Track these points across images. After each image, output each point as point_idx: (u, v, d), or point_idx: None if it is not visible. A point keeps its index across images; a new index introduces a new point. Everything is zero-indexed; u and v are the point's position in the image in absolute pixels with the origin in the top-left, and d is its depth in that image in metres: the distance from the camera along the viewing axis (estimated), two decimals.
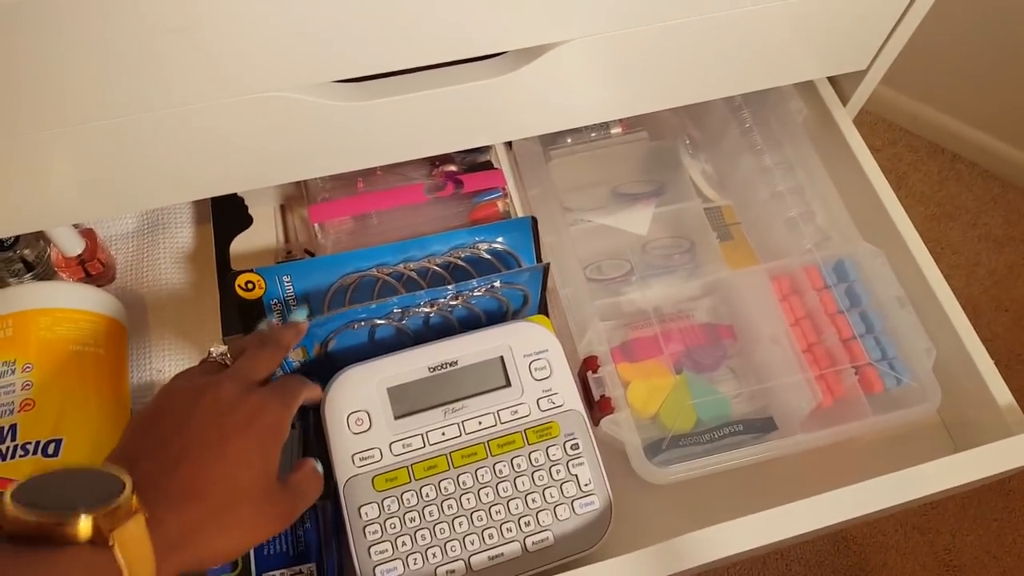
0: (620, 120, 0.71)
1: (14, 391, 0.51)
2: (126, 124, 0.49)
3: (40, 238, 0.64)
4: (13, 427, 0.50)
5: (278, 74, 0.49)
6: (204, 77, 0.47)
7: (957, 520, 1.02)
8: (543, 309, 0.64)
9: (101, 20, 0.42)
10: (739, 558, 0.56)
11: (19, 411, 0.51)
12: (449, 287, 0.59)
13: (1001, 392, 0.59)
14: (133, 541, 0.34)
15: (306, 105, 0.52)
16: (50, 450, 0.50)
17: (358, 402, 0.55)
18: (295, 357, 0.58)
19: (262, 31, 0.46)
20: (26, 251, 0.62)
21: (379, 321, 0.58)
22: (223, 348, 0.49)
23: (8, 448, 0.50)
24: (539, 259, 0.63)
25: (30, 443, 0.50)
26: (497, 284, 0.60)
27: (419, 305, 0.59)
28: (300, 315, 0.53)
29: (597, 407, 0.58)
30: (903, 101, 1.28)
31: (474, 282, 0.59)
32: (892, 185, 0.66)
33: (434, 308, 0.59)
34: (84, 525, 0.32)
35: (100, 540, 0.33)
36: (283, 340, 0.50)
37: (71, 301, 0.56)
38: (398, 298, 0.58)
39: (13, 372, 0.52)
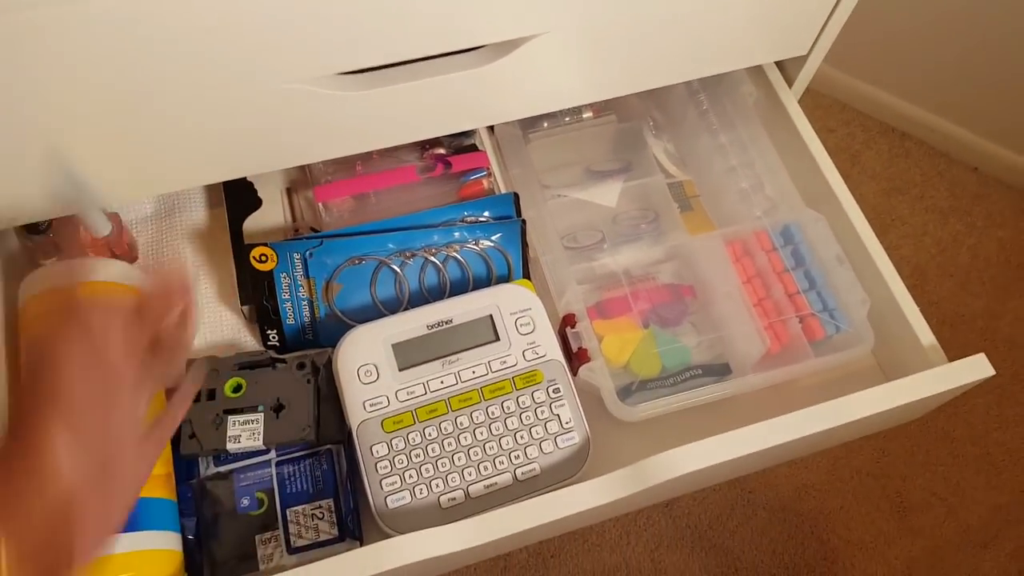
0: (591, 105, 0.79)
1: None
2: (153, 115, 0.56)
3: (69, 223, 0.70)
4: None
5: (289, 68, 0.56)
6: (226, 71, 0.54)
7: (907, 466, 1.11)
8: (526, 273, 0.71)
9: (144, 20, 0.49)
10: (698, 481, 0.63)
11: None
12: (436, 233, 0.68)
13: (925, 334, 0.68)
14: None
15: (313, 95, 0.59)
16: None
17: (366, 356, 0.62)
18: (305, 292, 0.65)
19: (276, 30, 0.53)
20: (57, 236, 0.69)
21: (379, 258, 0.67)
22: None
23: None
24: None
25: None
26: (481, 241, 0.68)
27: (413, 249, 0.68)
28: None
29: (575, 357, 0.66)
30: (855, 84, 1.37)
31: (456, 232, 0.69)
32: (846, 163, 0.74)
33: (427, 253, 0.68)
34: None
35: None
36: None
37: (108, 275, 0.62)
38: (395, 238, 0.67)
39: None
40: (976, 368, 0.63)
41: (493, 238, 0.70)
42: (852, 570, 1.05)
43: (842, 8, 0.71)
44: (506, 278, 0.71)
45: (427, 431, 0.61)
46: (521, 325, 0.65)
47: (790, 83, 0.80)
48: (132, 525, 0.55)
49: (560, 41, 0.63)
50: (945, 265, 1.26)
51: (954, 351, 0.62)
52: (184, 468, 0.62)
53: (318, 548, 0.60)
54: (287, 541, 0.60)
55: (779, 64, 0.81)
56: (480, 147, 0.76)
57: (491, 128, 0.79)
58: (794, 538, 1.06)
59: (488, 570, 1.01)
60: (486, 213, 0.71)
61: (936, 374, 0.62)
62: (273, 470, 0.62)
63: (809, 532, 1.06)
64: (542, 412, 0.63)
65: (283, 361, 0.64)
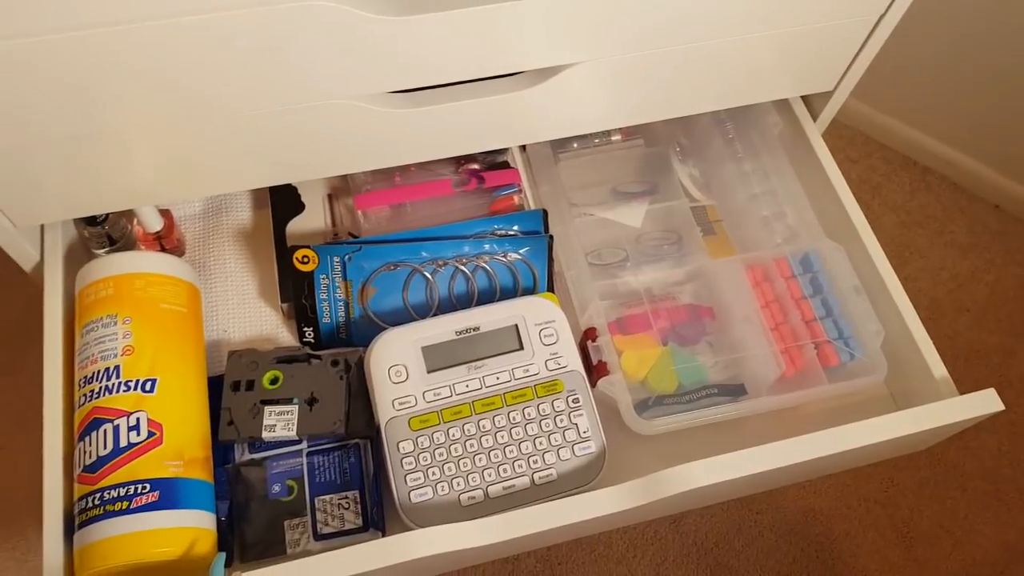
0: (620, 129, 0.82)
1: (116, 338, 0.62)
2: (212, 122, 0.60)
3: (123, 217, 0.74)
4: (117, 368, 0.61)
5: (343, 85, 0.60)
6: (285, 86, 0.58)
7: (915, 497, 1.13)
8: (550, 287, 0.75)
9: (214, 41, 0.53)
10: (711, 496, 0.66)
11: (122, 355, 0.62)
12: (467, 244, 0.72)
13: (937, 366, 0.70)
14: None
15: (363, 111, 0.63)
16: (147, 387, 0.61)
17: (397, 357, 0.66)
18: (341, 293, 0.69)
19: (334, 50, 0.57)
20: (110, 228, 0.73)
21: (412, 265, 0.71)
22: None
23: (114, 384, 0.61)
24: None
25: (131, 381, 0.61)
26: (509, 254, 0.72)
27: (445, 258, 0.72)
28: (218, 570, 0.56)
29: (595, 370, 0.69)
30: (879, 117, 1.39)
31: (486, 244, 0.72)
32: (867, 194, 0.77)
33: (458, 262, 0.71)
34: None
35: None
36: None
37: (160, 267, 0.66)
38: (428, 247, 0.71)
39: (115, 323, 0.63)
40: (986, 402, 0.64)
41: (521, 251, 0.74)
42: None
43: (869, 47, 0.74)
44: (531, 290, 0.74)
45: (451, 431, 0.64)
46: (545, 336, 0.68)
47: (815, 116, 0.83)
48: (171, 503, 0.59)
49: (594, 70, 0.66)
50: (962, 300, 1.27)
51: (967, 386, 0.64)
52: (221, 453, 0.65)
53: (343, 536, 0.63)
54: (314, 528, 0.63)
55: (805, 98, 0.84)
56: (512, 164, 0.79)
57: (523, 147, 0.82)
58: (799, 561, 1.08)
59: (496, 573, 1.04)
60: (515, 227, 0.75)
61: (946, 406, 0.64)
62: (304, 460, 0.65)
63: (815, 556, 1.08)
64: (561, 420, 0.66)
65: (318, 358, 0.67)
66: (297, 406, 0.65)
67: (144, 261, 0.66)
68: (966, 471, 1.15)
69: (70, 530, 0.59)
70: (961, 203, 1.36)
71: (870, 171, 1.37)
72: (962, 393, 0.66)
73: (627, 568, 1.05)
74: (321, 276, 0.71)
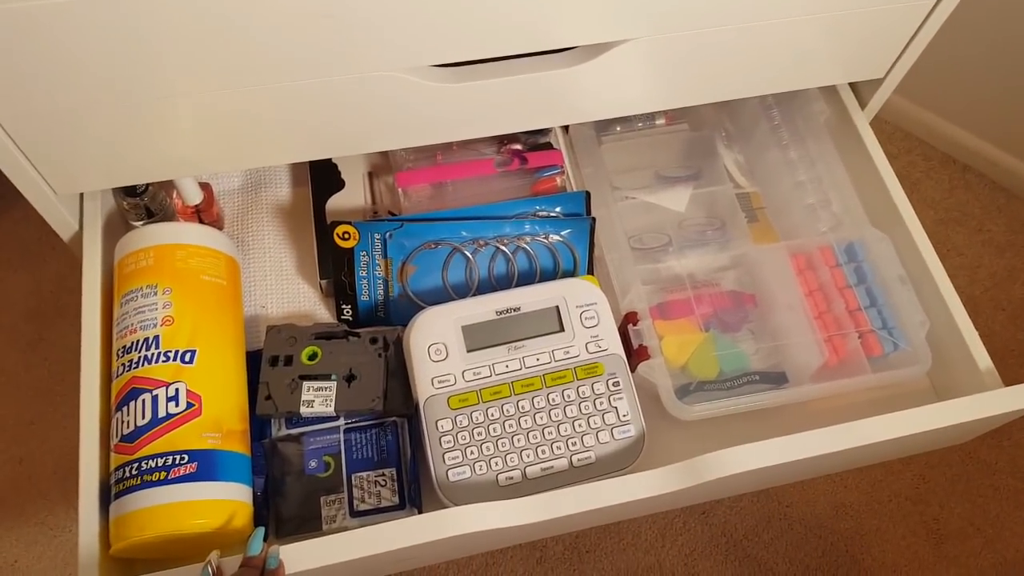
0: (664, 112, 0.81)
1: (156, 308, 0.62)
2: (254, 93, 0.59)
3: (162, 190, 0.74)
4: (157, 338, 0.61)
5: (386, 56, 0.59)
6: (327, 56, 0.58)
7: (946, 494, 1.11)
8: (591, 270, 0.74)
9: (263, 5, 0.52)
10: (750, 482, 0.64)
11: (161, 325, 0.61)
12: (508, 224, 0.71)
13: (982, 358, 0.68)
14: None
15: (406, 84, 0.62)
16: (187, 358, 0.61)
17: (437, 335, 0.65)
18: (381, 271, 0.68)
19: (379, 20, 0.56)
20: (149, 200, 0.73)
21: (453, 244, 0.70)
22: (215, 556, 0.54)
23: (153, 354, 0.60)
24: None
25: (171, 351, 0.61)
26: (551, 235, 0.71)
27: (486, 239, 0.71)
28: (256, 546, 0.56)
29: (635, 354, 0.68)
30: (920, 113, 1.37)
31: (527, 225, 0.71)
32: (905, 190, 0.75)
33: (499, 243, 0.71)
34: None
35: None
36: (253, 562, 0.53)
37: (200, 239, 0.66)
38: (469, 226, 0.70)
39: (155, 293, 0.63)
40: None
41: (563, 233, 0.73)
42: None
43: (923, 34, 0.73)
44: (572, 273, 0.73)
45: (490, 411, 0.64)
46: (586, 319, 0.67)
47: (863, 105, 0.81)
48: (209, 475, 0.58)
49: (643, 48, 0.65)
50: (998, 299, 1.25)
51: (1003, 384, 0.63)
52: (257, 428, 0.65)
53: (379, 513, 0.62)
54: (350, 504, 0.63)
55: (853, 85, 0.82)
56: (555, 146, 0.78)
57: (566, 128, 0.81)
58: (828, 555, 1.07)
59: (523, 559, 1.03)
60: (557, 209, 0.74)
61: (993, 396, 0.63)
62: (341, 436, 0.65)
63: (844, 551, 1.07)
64: (601, 403, 0.65)
65: (357, 335, 0.67)
66: (335, 382, 0.65)
67: (185, 232, 0.66)
68: (998, 469, 1.13)
69: (106, 500, 0.59)
70: (1000, 201, 1.33)
71: (909, 167, 1.35)
72: None
73: (655, 558, 1.04)
74: (361, 253, 0.70)
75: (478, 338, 0.66)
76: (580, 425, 0.64)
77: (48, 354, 1.14)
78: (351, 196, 0.77)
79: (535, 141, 0.78)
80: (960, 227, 1.31)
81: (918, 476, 1.12)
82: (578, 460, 0.64)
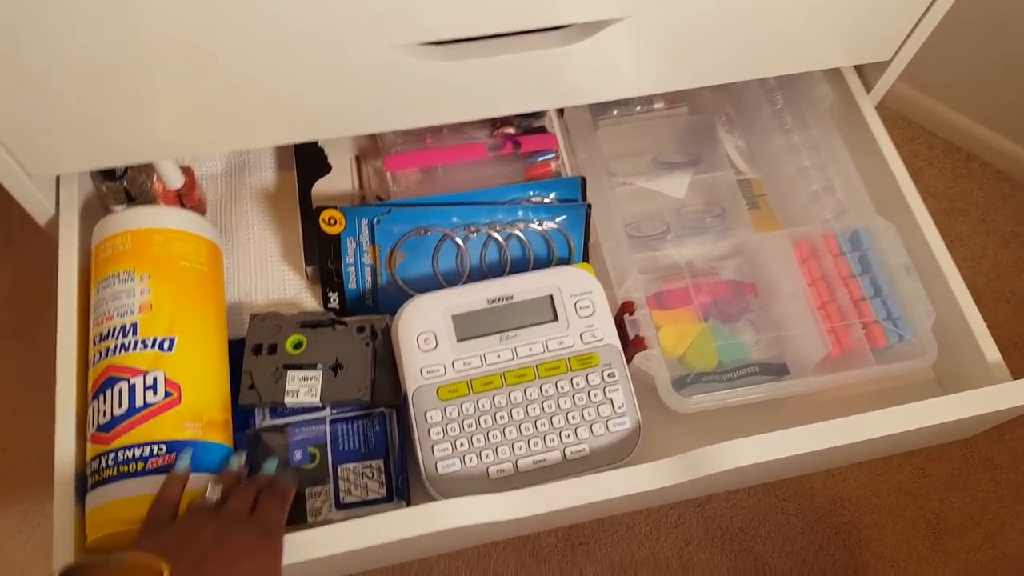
0: (663, 96, 0.78)
1: (134, 295, 0.60)
2: (235, 72, 0.57)
3: (142, 173, 0.72)
4: (134, 325, 0.59)
5: (373, 33, 0.57)
6: (310, 32, 0.55)
7: (946, 488, 1.09)
8: (586, 258, 0.71)
9: None
10: (749, 476, 0.63)
11: (139, 312, 0.59)
12: (501, 211, 0.68)
13: (991, 351, 0.67)
14: None
15: (395, 63, 0.59)
16: (165, 346, 0.58)
17: (426, 324, 0.63)
18: (369, 258, 0.66)
19: None
20: (128, 184, 0.70)
21: (443, 230, 0.68)
22: (216, 492, 0.54)
23: (130, 342, 0.58)
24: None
25: (148, 339, 0.58)
26: (545, 222, 0.69)
27: (478, 225, 0.68)
28: (271, 466, 0.59)
29: (631, 345, 0.66)
30: (923, 100, 1.34)
31: (521, 211, 0.69)
32: None
33: (491, 229, 0.68)
34: None
35: None
36: (260, 481, 0.56)
37: (181, 224, 0.64)
38: (460, 212, 0.68)
39: (133, 279, 0.60)
40: None
41: (557, 220, 0.70)
42: None
43: (931, 15, 0.70)
44: (566, 261, 0.71)
45: (481, 402, 0.62)
46: (581, 308, 0.65)
47: (868, 88, 0.79)
48: (190, 466, 0.56)
49: (641, 27, 0.62)
50: (1002, 290, 1.23)
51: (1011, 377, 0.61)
52: (241, 419, 0.63)
53: (366, 506, 0.60)
54: (336, 497, 0.61)
55: (858, 68, 0.80)
56: (550, 129, 0.76)
57: (561, 112, 0.79)
58: (825, 549, 1.05)
59: (515, 551, 1.02)
60: (552, 195, 0.71)
61: (1003, 389, 0.61)
62: (327, 427, 0.63)
63: (841, 545, 1.05)
64: (595, 395, 0.63)
65: (343, 323, 0.65)
66: (321, 372, 0.62)
67: (165, 216, 0.64)
68: (999, 464, 1.11)
69: (82, 491, 0.57)
70: (1004, 191, 1.31)
71: (912, 156, 1.32)
72: None
73: (649, 551, 1.03)
74: (348, 239, 0.68)
75: (469, 327, 0.63)
76: (574, 417, 0.62)
77: (32, 342, 1.12)
78: (338, 181, 0.74)
79: (529, 125, 0.76)
80: (963, 217, 1.29)
81: (918, 470, 1.10)
82: (572, 453, 0.62)
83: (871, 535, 1.06)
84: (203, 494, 0.54)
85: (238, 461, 0.58)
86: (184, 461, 0.55)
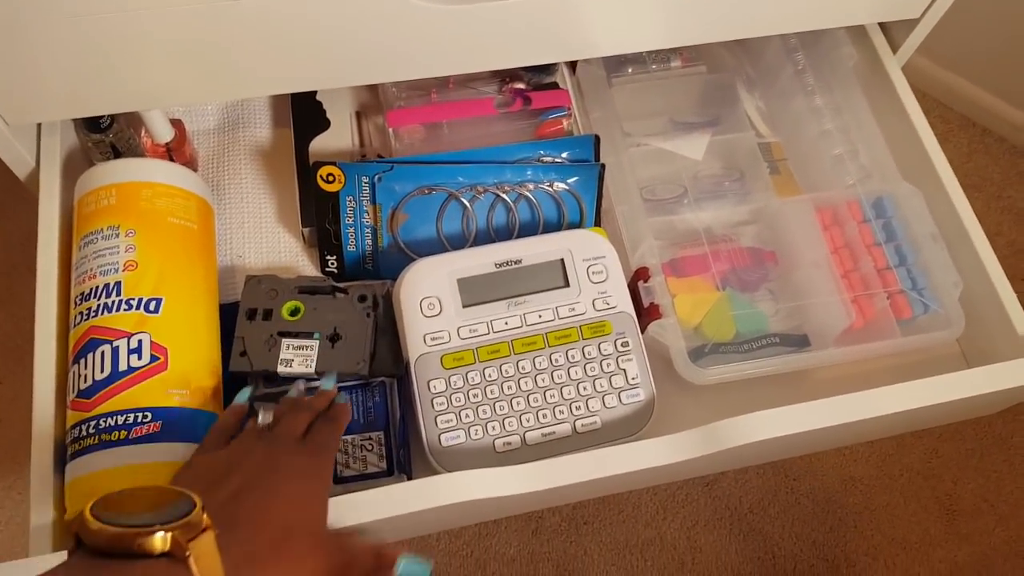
0: (680, 53, 0.74)
1: (118, 252, 0.56)
2: (226, 14, 0.53)
3: (130, 126, 0.68)
4: (118, 284, 0.55)
5: None
6: None
7: (960, 469, 1.07)
8: (598, 222, 0.68)
9: None
10: (767, 452, 0.60)
11: (123, 270, 0.55)
12: (509, 170, 0.64)
13: (1021, 324, 0.63)
14: (206, 555, 0.35)
15: (397, 4, 0.55)
16: (151, 307, 0.55)
17: (430, 289, 0.59)
18: (369, 219, 0.62)
19: None
20: (115, 137, 0.66)
21: (448, 190, 0.64)
22: (269, 416, 0.52)
23: (113, 302, 0.54)
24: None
25: (133, 299, 0.55)
26: (556, 183, 0.65)
27: (485, 185, 0.64)
28: (328, 383, 0.56)
29: (646, 313, 0.63)
30: (939, 72, 1.30)
31: (530, 171, 0.65)
32: None
33: (499, 190, 0.64)
34: (161, 539, 0.33)
35: (177, 553, 0.34)
36: (315, 404, 0.54)
37: (169, 178, 0.60)
38: (467, 171, 0.64)
39: (117, 236, 0.56)
40: None
41: (569, 181, 0.66)
42: (894, 569, 1.01)
43: None
44: (578, 224, 0.67)
45: (487, 372, 0.58)
46: (593, 273, 0.62)
47: (895, 49, 0.75)
48: (175, 435, 0.53)
49: None
50: (1016, 267, 1.20)
51: None
52: (234, 387, 0.59)
53: (365, 480, 0.57)
54: (334, 470, 0.57)
55: (884, 27, 0.76)
56: (562, 86, 0.72)
57: (573, 67, 0.75)
58: (836, 531, 1.02)
59: (518, 530, 0.99)
60: (563, 154, 0.67)
61: None
62: None
63: (852, 525, 1.03)
64: (608, 365, 0.60)
65: (344, 291, 0.61)
66: (318, 342, 0.59)
67: (152, 169, 0.60)
68: (1014, 444, 1.09)
69: (63, 463, 0.53)
70: (1021, 167, 1.28)
71: None
72: None
73: (656, 530, 1.00)
74: (347, 198, 0.64)
75: (475, 292, 0.60)
76: (585, 388, 0.59)
77: (16, 311, 1.08)
78: (337, 137, 0.70)
79: (539, 80, 0.72)
80: (979, 192, 1.26)
81: (930, 450, 1.07)
82: (582, 426, 0.58)
83: (883, 516, 1.04)
84: (256, 419, 0.52)
85: (296, 389, 0.56)
86: (243, 396, 0.55)
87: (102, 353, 0.53)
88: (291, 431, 0.50)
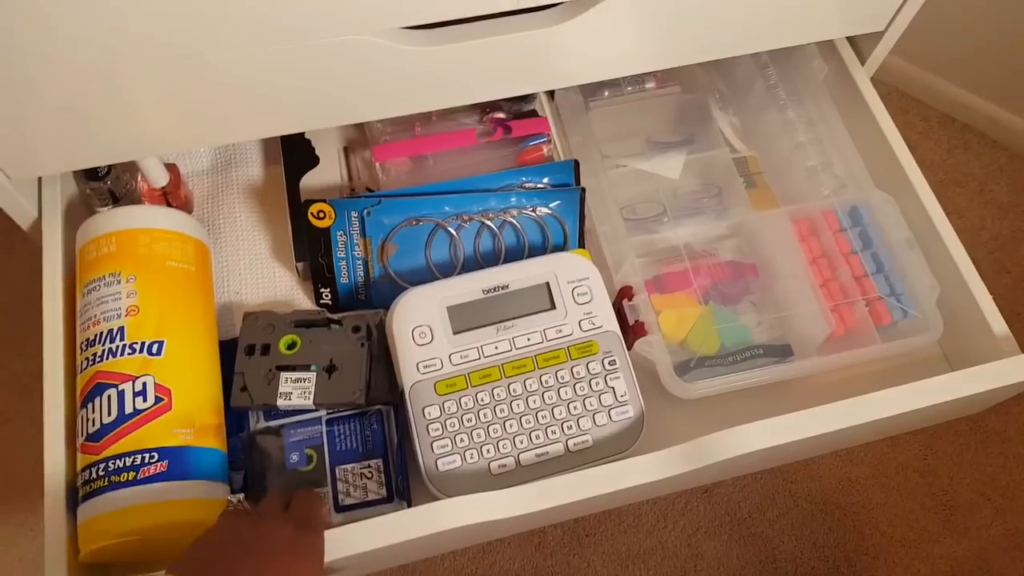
0: (654, 75, 0.77)
1: (120, 298, 0.58)
2: (214, 64, 0.55)
3: (127, 172, 0.70)
4: (121, 329, 0.57)
5: (354, 19, 0.55)
6: (290, 20, 0.53)
7: (955, 464, 1.08)
8: (582, 243, 0.70)
9: None
10: (758, 461, 0.61)
11: (125, 315, 0.57)
12: (493, 198, 0.67)
13: (997, 323, 0.65)
14: None
15: (377, 48, 0.58)
16: (154, 350, 0.57)
17: (421, 317, 0.61)
18: (360, 251, 0.64)
19: None
20: (113, 184, 0.68)
21: (435, 220, 0.66)
22: (240, 496, 0.54)
23: (117, 347, 0.57)
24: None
25: (136, 343, 0.57)
26: (539, 208, 0.67)
27: (470, 213, 0.66)
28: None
29: (631, 331, 0.65)
30: (916, 72, 1.32)
31: (514, 198, 0.67)
32: None
33: (484, 217, 0.66)
34: None
35: None
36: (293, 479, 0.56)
37: (166, 223, 0.62)
38: (452, 200, 0.66)
39: (119, 282, 0.58)
40: None
41: (551, 205, 0.69)
42: (894, 567, 1.03)
43: None
44: (562, 247, 0.69)
45: (480, 396, 0.60)
46: (578, 295, 0.64)
47: (863, 60, 0.77)
48: (182, 473, 0.55)
49: (628, 4, 0.61)
50: (1002, 261, 1.22)
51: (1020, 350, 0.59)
52: (235, 422, 0.61)
53: (366, 507, 0.59)
54: (335, 499, 0.59)
55: (852, 40, 0.78)
56: (541, 113, 0.74)
57: (551, 95, 0.77)
58: (835, 531, 1.04)
59: (522, 546, 1.00)
60: (545, 179, 0.70)
61: (1015, 363, 0.59)
62: (323, 427, 0.61)
63: (851, 526, 1.04)
64: (597, 384, 0.62)
65: (339, 323, 0.63)
66: (315, 373, 0.61)
67: (149, 215, 0.62)
68: (1007, 437, 1.10)
69: (73, 503, 0.55)
70: (1001, 161, 1.30)
71: (907, 128, 1.31)
72: None
73: (657, 539, 1.02)
74: (338, 233, 0.66)
75: (465, 319, 0.62)
76: (576, 407, 0.61)
77: (22, 350, 1.10)
78: (327, 173, 0.73)
79: (519, 109, 0.74)
80: (961, 188, 1.28)
81: (925, 447, 1.09)
82: (574, 444, 0.60)
83: (881, 515, 1.06)
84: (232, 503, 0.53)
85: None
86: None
87: (108, 397, 0.55)
88: (273, 505, 0.52)
